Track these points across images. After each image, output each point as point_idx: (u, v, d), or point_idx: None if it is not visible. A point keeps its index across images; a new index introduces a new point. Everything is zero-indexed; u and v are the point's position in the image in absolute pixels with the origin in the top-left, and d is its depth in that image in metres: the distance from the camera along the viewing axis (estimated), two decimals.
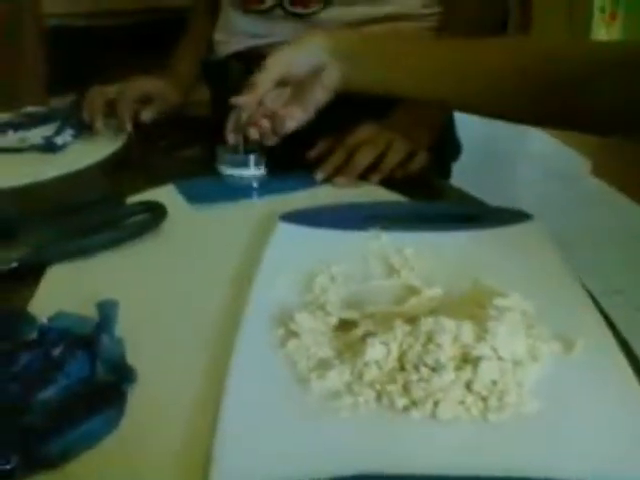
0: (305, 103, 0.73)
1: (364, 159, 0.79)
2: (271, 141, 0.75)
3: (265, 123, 0.73)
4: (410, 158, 0.82)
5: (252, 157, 0.78)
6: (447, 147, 1.05)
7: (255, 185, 0.79)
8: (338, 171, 0.80)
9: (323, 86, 0.71)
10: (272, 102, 0.74)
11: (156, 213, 0.68)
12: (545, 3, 3.39)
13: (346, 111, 0.74)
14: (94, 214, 0.69)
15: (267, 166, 0.80)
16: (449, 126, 1.06)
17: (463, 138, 1.07)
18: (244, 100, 0.72)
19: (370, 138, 0.81)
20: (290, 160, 0.81)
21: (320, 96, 0.72)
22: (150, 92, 1.02)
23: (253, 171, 0.79)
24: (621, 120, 0.60)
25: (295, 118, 0.73)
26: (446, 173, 1.07)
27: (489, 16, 0.95)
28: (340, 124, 0.80)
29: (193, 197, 0.76)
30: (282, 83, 0.73)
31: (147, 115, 0.98)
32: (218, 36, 1.08)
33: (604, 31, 2.95)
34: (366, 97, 0.71)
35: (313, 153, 0.83)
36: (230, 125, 0.75)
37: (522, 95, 0.64)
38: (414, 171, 0.81)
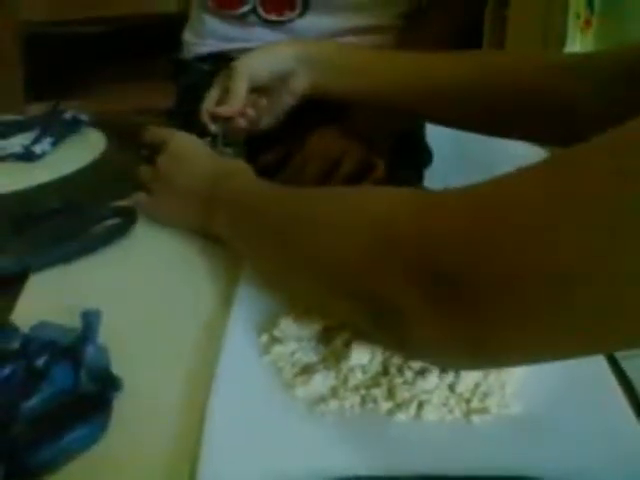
0: (273, 107, 0.75)
1: (313, 172, 0.80)
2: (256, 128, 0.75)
3: (251, 112, 0.74)
4: (368, 167, 0.82)
5: (231, 150, 0.76)
6: (418, 153, 1.06)
7: None
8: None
9: (290, 92, 0.73)
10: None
11: (128, 217, 0.68)
12: (521, 7, 3.41)
13: (311, 114, 0.75)
14: (67, 221, 0.69)
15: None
16: (419, 132, 1.06)
17: (439, 140, 1.08)
18: (229, 110, 0.72)
19: (324, 147, 0.81)
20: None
21: (287, 101, 0.74)
22: None
23: None
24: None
25: (263, 121, 0.75)
26: (418, 178, 1.08)
27: (456, 31, 0.96)
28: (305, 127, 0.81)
29: None
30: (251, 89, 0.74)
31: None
32: (188, 36, 1.07)
33: (579, 38, 2.97)
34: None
35: (270, 157, 0.84)
36: (205, 116, 0.74)
37: (486, 108, 0.65)
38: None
